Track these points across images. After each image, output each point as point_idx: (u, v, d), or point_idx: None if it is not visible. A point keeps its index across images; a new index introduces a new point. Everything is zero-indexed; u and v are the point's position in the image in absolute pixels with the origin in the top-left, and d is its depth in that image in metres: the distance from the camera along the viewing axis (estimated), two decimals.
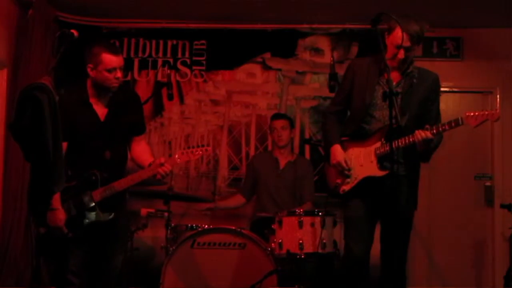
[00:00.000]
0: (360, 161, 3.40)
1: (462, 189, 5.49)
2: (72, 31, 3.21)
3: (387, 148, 3.26)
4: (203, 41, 5.51)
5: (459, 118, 3.15)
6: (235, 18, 5.37)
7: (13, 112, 2.85)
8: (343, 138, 3.50)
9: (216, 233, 4.17)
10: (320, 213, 3.96)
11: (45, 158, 2.86)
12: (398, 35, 3.20)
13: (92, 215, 3.23)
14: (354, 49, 5.41)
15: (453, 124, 3.16)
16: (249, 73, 5.52)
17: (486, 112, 3.17)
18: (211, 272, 4.08)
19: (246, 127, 5.46)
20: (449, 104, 5.49)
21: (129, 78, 5.48)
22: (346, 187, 3.44)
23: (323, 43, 5.49)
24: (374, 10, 3.07)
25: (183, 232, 4.31)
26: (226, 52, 5.49)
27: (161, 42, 5.53)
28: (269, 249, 4.03)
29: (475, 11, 5.10)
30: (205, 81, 5.51)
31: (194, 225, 4.37)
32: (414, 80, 3.36)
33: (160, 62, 5.52)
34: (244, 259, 4.08)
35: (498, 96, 5.51)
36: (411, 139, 3.19)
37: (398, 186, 3.22)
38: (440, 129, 3.17)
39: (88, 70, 3.29)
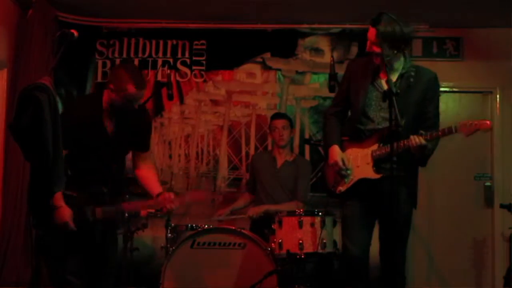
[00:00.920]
0: (357, 162, 3.40)
1: (462, 189, 5.49)
2: (72, 31, 3.21)
3: (384, 151, 3.27)
4: (203, 41, 5.51)
5: (453, 126, 3.14)
6: (235, 18, 5.37)
7: (13, 112, 2.85)
8: (343, 138, 3.50)
9: (216, 233, 4.17)
10: (320, 213, 3.96)
11: (45, 158, 2.86)
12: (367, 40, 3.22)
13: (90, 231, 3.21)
14: (354, 49, 5.41)
15: (446, 131, 3.15)
16: (249, 73, 5.53)
17: (478, 123, 3.14)
18: (211, 272, 4.08)
19: (246, 127, 5.46)
20: (449, 104, 5.50)
21: None
22: (342, 188, 3.44)
23: (323, 43, 5.49)
24: (374, 10, 3.07)
25: (183, 232, 4.30)
26: (226, 52, 5.50)
27: (161, 42, 5.53)
28: (269, 249, 4.02)
29: (475, 11, 5.10)
30: (205, 81, 5.51)
31: (194, 225, 4.36)
32: (411, 80, 3.32)
33: (160, 62, 5.52)
34: (244, 259, 4.07)
35: (498, 96, 5.50)
36: (406, 143, 3.18)
37: (394, 186, 3.22)
38: (434, 135, 3.17)
39: (109, 88, 3.21)
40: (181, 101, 5.49)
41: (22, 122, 2.85)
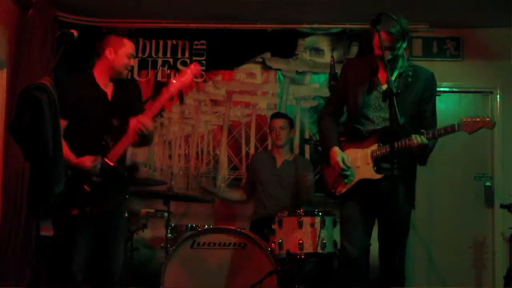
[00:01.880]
0: (357, 163, 3.39)
1: (462, 189, 5.49)
2: (72, 31, 3.22)
3: (384, 150, 3.26)
4: (203, 41, 5.51)
5: (455, 124, 3.14)
6: (235, 18, 5.37)
7: (13, 112, 2.85)
8: (341, 138, 3.49)
9: (216, 233, 4.17)
10: (320, 213, 3.97)
11: (45, 158, 2.86)
12: (377, 37, 3.17)
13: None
14: (354, 49, 5.41)
15: (449, 130, 3.14)
16: (249, 73, 5.52)
17: (482, 120, 3.14)
18: (211, 272, 4.08)
19: (246, 127, 5.45)
20: (449, 104, 5.49)
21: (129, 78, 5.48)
22: (342, 189, 3.43)
23: (323, 43, 5.48)
24: (374, 10, 3.07)
25: (183, 232, 4.31)
26: (226, 52, 5.49)
27: (161, 42, 5.53)
28: (269, 249, 4.03)
29: (475, 11, 5.10)
30: (205, 81, 5.51)
31: (194, 225, 4.37)
32: (409, 79, 3.33)
33: (160, 62, 5.52)
34: (244, 259, 4.08)
35: (498, 96, 5.50)
36: (407, 143, 3.17)
37: (393, 186, 3.21)
38: (436, 134, 3.16)
39: (107, 53, 3.37)
40: (181, 101, 5.47)
41: (22, 122, 2.85)
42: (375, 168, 3.32)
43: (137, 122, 3.20)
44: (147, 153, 5.41)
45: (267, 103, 5.51)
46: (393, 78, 3.29)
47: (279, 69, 5.51)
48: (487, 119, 3.15)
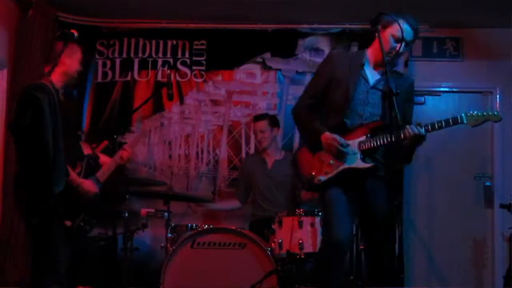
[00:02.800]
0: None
1: (462, 189, 5.49)
2: (72, 31, 3.22)
3: (373, 142, 3.22)
4: (203, 41, 5.51)
5: (458, 116, 3.14)
6: (235, 18, 5.37)
7: (13, 112, 2.85)
8: None
9: (216, 233, 4.17)
10: (320, 213, 3.97)
11: (45, 158, 2.87)
12: (397, 28, 3.16)
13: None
14: (354, 49, 5.40)
15: (451, 122, 3.14)
16: (249, 73, 5.52)
17: (487, 113, 3.16)
18: (211, 272, 4.08)
19: (246, 127, 5.45)
20: (449, 104, 5.50)
21: (129, 78, 5.48)
22: (323, 177, 3.30)
23: (323, 43, 5.48)
24: (374, 10, 3.07)
25: (183, 232, 4.31)
26: (226, 52, 5.49)
27: (161, 42, 5.52)
28: (269, 249, 4.03)
29: (475, 11, 5.10)
30: (205, 81, 5.51)
31: (194, 225, 4.37)
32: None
33: (160, 62, 5.51)
34: (244, 259, 4.08)
35: (498, 96, 5.50)
36: (401, 135, 3.11)
37: (377, 188, 3.22)
38: (436, 126, 3.15)
39: (63, 59, 3.34)
40: (181, 101, 5.48)
41: (22, 122, 2.85)
42: (361, 158, 3.26)
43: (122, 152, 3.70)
44: (147, 153, 5.42)
45: (267, 103, 5.51)
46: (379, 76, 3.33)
47: (279, 69, 5.51)
48: (494, 114, 3.16)
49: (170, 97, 4.44)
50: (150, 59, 5.51)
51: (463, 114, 3.16)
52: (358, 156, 3.27)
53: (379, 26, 3.13)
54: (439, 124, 3.14)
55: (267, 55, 5.50)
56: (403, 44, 3.20)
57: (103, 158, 3.95)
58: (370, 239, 3.38)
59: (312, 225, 3.94)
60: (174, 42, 5.52)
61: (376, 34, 3.10)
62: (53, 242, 3.14)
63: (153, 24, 5.48)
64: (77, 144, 3.89)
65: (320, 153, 3.35)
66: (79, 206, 3.51)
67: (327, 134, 3.31)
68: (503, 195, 5.31)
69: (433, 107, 5.48)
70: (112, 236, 4.45)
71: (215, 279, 4.07)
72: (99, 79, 5.48)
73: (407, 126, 3.15)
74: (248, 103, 5.51)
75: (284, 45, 5.48)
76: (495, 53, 5.45)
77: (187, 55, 5.51)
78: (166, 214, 4.42)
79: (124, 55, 5.49)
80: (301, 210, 4.04)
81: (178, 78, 5.48)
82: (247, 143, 5.44)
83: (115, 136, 4.14)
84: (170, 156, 5.44)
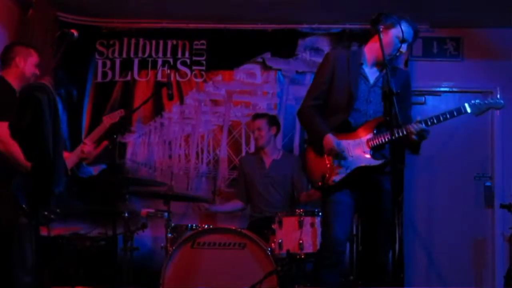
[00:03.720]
0: (351, 152, 3.34)
1: (462, 189, 5.48)
2: (72, 31, 3.22)
3: (381, 138, 3.26)
4: (203, 41, 5.51)
5: (461, 106, 3.16)
6: (235, 18, 5.37)
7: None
8: None
9: (216, 233, 4.17)
10: (320, 213, 3.96)
11: (45, 158, 2.87)
12: (401, 29, 3.23)
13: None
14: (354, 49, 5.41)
15: (455, 113, 3.17)
16: (249, 73, 5.52)
17: (490, 101, 3.18)
18: (211, 272, 4.08)
19: (246, 127, 5.45)
20: (449, 104, 5.49)
21: (129, 78, 5.48)
22: (336, 178, 3.32)
23: (323, 43, 5.48)
24: (374, 10, 3.07)
25: (183, 232, 4.30)
26: (226, 52, 5.49)
27: (161, 42, 5.52)
28: (269, 249, 4.03)
29: (475, 11, 5.10)
30: (205, 81, 5.51)
31: (194, 225, 4.37)
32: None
33: (160, 62, 5.51)
34: (244, 259, 4.07)
35: (498, 96, 5.49)
36: (407, 130, 3.16)
37: (384, 183, 3.23)
38: (441, 118, 3.17)
39: (17, 62, 3.48)
40: (181, 101, 5.48)
41: (22, 122, 2.85)
42: (372, 155, 3.30)
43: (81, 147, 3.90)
44: (147, 153, 5.42)
45: (267, 103, 5.51)
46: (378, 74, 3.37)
47: (279, 69, 5.51)
48: (496, 102, 3.19)
49: (170, 97, 4.43)
50: (150, 59, 5.52)
51: (466, 104, 3.18)
52: (369, 153, 3.30)
53: (381, 26, 3.15)
54: (444, 116, 3.18)
55: (267, 55, 5.50)
56: (406, 44, 3.28)
57: (65, 154, 3.89)
58: (372, 236, 3.38)
59: (312, 225, 3.94)
60: (174, 42, 5.52)
61: (378, 34, 3.10)
62: (21, 233, 3.16)
63: (153, 24, 5.48)
64: None
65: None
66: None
67: (328, 138, 3.32)
68: (503, 195, 5.31)
69: (433, 107, 5.47)
70: (112, 236, 4.43)
71: (215, 279, 4.07)
72: (99, 79, 5.48)
73: (408, 125, 3.18)
74: (248, 103, 5.51)
75: (284, 45, 5.48)
76: (495, 53, 5.45)
77: (187, 55, 5.51)
78: (166, 214, 4.42)
79: (124, 55, 5.49)
80: (301, 210, 4.03)
81: (178, 78, 5.48)
82: (247, 143, 5.44)
83: (115, 136, 4.09)
84: (170, 156, 5.44)
